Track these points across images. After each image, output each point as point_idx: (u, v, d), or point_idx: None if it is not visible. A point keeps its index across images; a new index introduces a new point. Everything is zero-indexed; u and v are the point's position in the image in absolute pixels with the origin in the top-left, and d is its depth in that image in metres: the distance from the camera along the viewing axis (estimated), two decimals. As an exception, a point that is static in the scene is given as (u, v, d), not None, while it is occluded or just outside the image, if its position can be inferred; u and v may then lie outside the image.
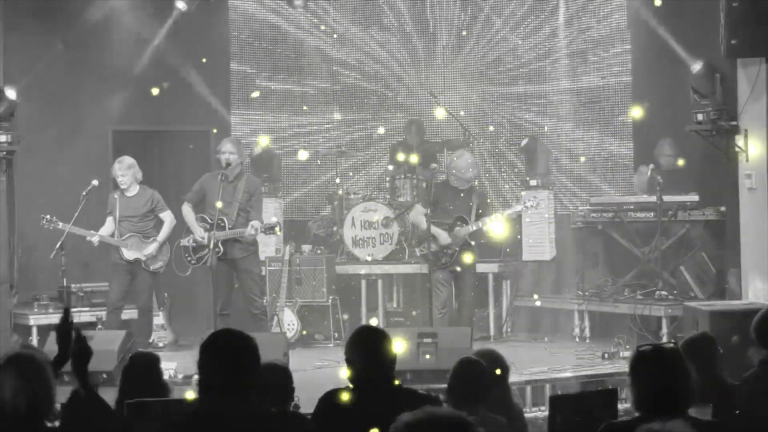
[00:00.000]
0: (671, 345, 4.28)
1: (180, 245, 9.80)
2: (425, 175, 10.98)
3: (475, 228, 9.75)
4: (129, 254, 9.97)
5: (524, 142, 11.55)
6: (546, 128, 12.06)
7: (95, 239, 9.90)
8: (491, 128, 12.37)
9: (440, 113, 11.51)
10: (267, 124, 12.56)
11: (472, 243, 9.84)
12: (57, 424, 4.18)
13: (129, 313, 10.19)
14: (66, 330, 4.37)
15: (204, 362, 3.82)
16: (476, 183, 10.47)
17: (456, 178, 9.88)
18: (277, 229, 9.72)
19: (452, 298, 9.97)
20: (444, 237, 9.76)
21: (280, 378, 5.00)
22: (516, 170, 12.04)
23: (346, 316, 11.17)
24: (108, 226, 10.02)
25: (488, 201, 10.49)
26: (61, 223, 9.87)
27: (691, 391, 4.04)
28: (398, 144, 11.96)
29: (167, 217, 10.13)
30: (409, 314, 11.23)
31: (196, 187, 9.85)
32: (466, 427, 2.89)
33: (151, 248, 10.00)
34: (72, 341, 4.23)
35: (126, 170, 9.99)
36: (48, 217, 9.92)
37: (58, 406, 4.20)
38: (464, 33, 12.38)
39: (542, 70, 12.23)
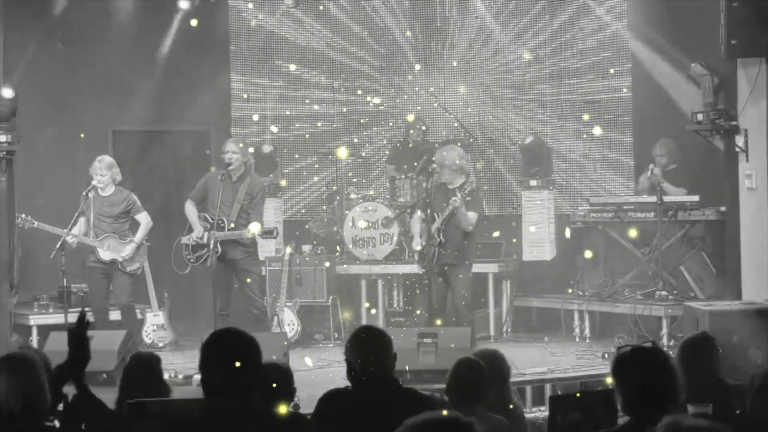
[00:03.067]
0: (650, 344, 4.30)
1: (180, 243, 9.76)
2: (425, 176, 10.80)
3: (438, 225, 9.42)
4: (105, 255, 9.76)
5: (528, 139, 11.49)
6: (547, 128, 12.05)
7: (71, 239, 9.61)
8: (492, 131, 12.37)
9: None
10: (267, 123, 12.55)
11: (441, 240, 9.40)
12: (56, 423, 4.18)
13: (115, 314, 10.12)
14: (80, 334, 4.27)
15: (206, 362, 3.81)
16: (471, 177, 10.33)
17: (448, 173, 9.45)
18: (274, 233, 9.67)
19: (443, 298, 9.67)
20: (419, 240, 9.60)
21: (281, 378, 4.99)
22: (516, 171, 12.01)
23: (347, 314, 11.16)
24: (81, 227, 9.78)
25: (481, 194, 10.09)
26: (36, 222, 9.80)
27: (676, 387, 4.04)
28: (399, 143, 11.94)
29: (144, 218, 9.93)
30: (409, 314, 11.22)
31: (199, 185, 9.80)
32: (466, 427, 2.90)
33: (128, 249, 9.79)
34: (77, 341, 4.17)
35: (106, 170, 9.74)
36: (23, 216, 9.84)
37: (61, 405, 4.19)
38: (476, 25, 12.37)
39: (542, 70, 12.22)
